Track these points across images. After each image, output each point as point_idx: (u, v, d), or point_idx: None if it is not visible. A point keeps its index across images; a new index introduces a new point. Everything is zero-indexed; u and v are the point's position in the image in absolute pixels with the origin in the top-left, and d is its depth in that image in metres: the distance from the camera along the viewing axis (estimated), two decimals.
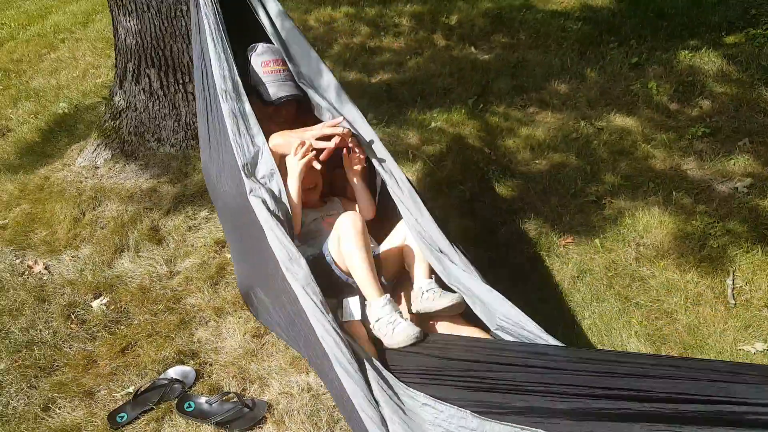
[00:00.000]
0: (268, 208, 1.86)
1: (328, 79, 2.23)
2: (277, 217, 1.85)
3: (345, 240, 1.89)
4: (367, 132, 2.14)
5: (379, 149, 2.11)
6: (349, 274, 1.96)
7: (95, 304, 2.49)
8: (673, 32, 4.30)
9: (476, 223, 2.84)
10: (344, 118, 2.12)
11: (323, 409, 2.00)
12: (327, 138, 2.02)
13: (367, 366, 1.60)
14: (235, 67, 2.13)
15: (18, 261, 2.75)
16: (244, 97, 2.09)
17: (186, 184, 3.08)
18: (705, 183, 2.96)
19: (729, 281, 2.42)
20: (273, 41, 2.30)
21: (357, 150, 2.16)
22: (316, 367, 1.86)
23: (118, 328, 2.39)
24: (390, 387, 1.56)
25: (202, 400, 2.04)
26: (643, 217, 2.76)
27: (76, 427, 2.01)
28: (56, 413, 2.06)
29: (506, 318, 1.75)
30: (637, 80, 3.80)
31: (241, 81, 2.12)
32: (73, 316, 2.45)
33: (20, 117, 4.02)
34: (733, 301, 2.34)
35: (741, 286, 2.41)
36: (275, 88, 2.23)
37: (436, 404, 1.48)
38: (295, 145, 2.02)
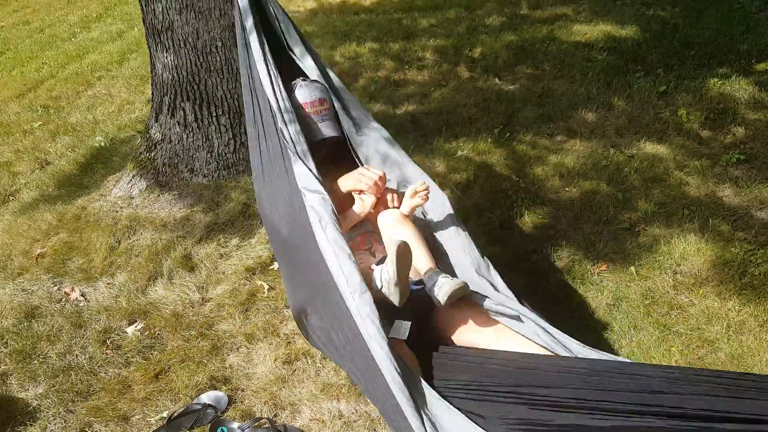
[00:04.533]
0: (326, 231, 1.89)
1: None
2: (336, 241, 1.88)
3: (394, 230, 2.03)
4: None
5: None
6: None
7: (130, 330, 2.52)
8: (701, 61, 4.30)
9: (506, 250, 2.81)
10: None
11: None
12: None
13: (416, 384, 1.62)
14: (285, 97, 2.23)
15: (55, 288, 2.81)
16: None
17: (218, 213, 3.14)
18: (742, 210, 2.90)
19: None
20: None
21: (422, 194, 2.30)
22: (369, 391, 1.85)
23: (151, 354, 2.40)
24: (432, 405, 1.57)
25: (235, 425, 2.03)
26: (680, 244, 2.70)
27: None
28: None
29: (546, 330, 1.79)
30: (666, 108, 3.78)
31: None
32: (108, 342, 2.48)
33: (58, 150, 4.15)
34: None
35: None
36: (318, 128, 2.31)
37: (473, 429, 1.48)
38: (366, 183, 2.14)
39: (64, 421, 2.15)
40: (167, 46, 3.09)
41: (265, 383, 2.20)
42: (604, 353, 1.66)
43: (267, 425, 2.02)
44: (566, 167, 3.36)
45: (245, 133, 3.31)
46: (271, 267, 2.78)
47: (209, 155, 3.32)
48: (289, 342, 2.37)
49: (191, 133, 3.27)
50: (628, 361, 1.60)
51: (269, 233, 2.41)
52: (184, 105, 3.22)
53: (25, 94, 5.32)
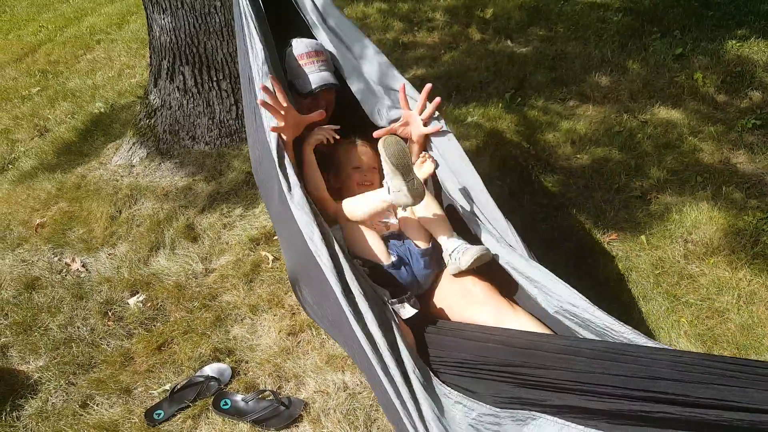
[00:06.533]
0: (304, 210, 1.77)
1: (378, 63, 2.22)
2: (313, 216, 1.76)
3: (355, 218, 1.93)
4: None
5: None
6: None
7: (132, 301, 2.49)
8: (719, 22, 4.16)
9: (516, 219, 2.74)
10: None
11: (360, 408, 1.96)
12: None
13: (406, 360, 1.54)
14: (266, 59, 2.11)
15: (56, 259, 2.77)
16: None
17: (220, 182, 3.07)
18: (756, 177, 2.83)
19: None
20: (317, 31, 2.30)
21: (430, 158, 2.15)
22: (358, 362, 1.80)
23: (154, 326, 2.38)
24: (427, 383, 1.51)
25: (239, 397, 2.02)
26: (691, 212, 2.65)
27: (114, 424, 2.00)
28: (94, 410, 2.06)
29: (573, 305, 1.68)
30: (681, 72, 3.66)
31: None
32: (110, 314, 2.45)
33: (57, 117, 4.08)
34: None
35: None
36: (309, 79, 2.19)
37: (467, 402, 1.44)
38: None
39: (66, 394, 2.13)
40: (164, 7, 2.97)
41: (270, 355, 2.18)
42: (624, 327, 1.57)
43: (271, 397, 2.00)
44: (578, 133, 3.27)
45: None
46: (275, 237, 2.73)
47: (211, 122, 3.23)
48: (294, 313, 2.34)
49: (191, 99, 3.18)
50: (636, 344, 1.52)
51: (265, 202, 2.33)
52: (183, 69, 3.12)
53: (22, 59, 5.21)
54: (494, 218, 1.93)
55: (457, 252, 1.84)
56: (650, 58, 3.85)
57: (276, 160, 1.82)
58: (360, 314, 1.58)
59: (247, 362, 2.18)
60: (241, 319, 2.36)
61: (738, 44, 3.80)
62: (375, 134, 2.05)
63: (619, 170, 2.97)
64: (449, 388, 1.49)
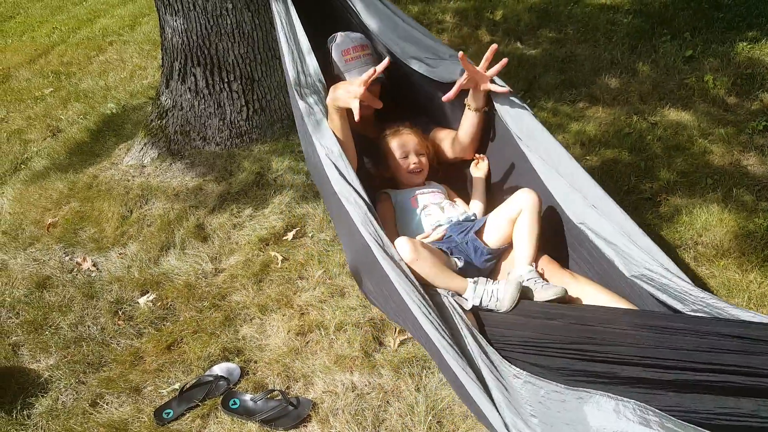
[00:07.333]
0: (352, 197, 1.81)
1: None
2: (363, 204, 1.80)
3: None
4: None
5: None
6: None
7: (142, 300, 2.51)
8: (730, 24, 4.13)
9: None
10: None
11: (368, 408, 1.96)
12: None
13: (470, 344, 1.57)
14: (302, 63, 2.14)
15: (67, 258, 2.80)
16: (307, 92, 2.11)
17: (231, 183, 3.09)
18: (767, 179, 2.81)
19: None
20: (359, 22, 2.39)
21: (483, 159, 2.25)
22: (425, 347, 1.79)
23: (164, 325, 2.39)
24: (494, 364, 1.53)
25: (247, 397, 2.03)
26: (702, 214, 2.63)
27: (123, 423, 2.01)
28: (104, 408, 2.07)
29: (650, 270, 1.67)
30: (692, 74, 3.64)
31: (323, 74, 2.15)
32: (120, 313, 2.47)
33: (70, 117, 4.12)
34: None
35: None
36: (356, 75, 2.22)
37: (536, 381, 1.46)
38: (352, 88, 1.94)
39: (76, 393, 2.15)
40: (176, 8, 3.00)
41: (278, 355, 2.19)
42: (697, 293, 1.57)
43: (279, 397, 2.00)
44: (588, 135, 3.26)
45: (258, 100, 3.25)
46: (284, 237, 2.74)
47: (221, 123, 3.25)
48: (303, 313, 2.35)
49: (203, 100, 3.21)
50: (701, 315, 1.53)
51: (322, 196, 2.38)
52: (194, 70, 3.14)
53: (35, 60, 5.27)
54: (576, 176, 1.91)
55: (530, 281, 1.83)
56: (660, 60, 3.84)
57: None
58: (423, 302, 1.60)
59: (256, 362, 2.19)
60: (251, 319, 2.37)
61: (749, 46, 3.78)
62: (445, 99, 2.08)
63: (628, 172, 2.96)
64: (518, 369, 1.51)
